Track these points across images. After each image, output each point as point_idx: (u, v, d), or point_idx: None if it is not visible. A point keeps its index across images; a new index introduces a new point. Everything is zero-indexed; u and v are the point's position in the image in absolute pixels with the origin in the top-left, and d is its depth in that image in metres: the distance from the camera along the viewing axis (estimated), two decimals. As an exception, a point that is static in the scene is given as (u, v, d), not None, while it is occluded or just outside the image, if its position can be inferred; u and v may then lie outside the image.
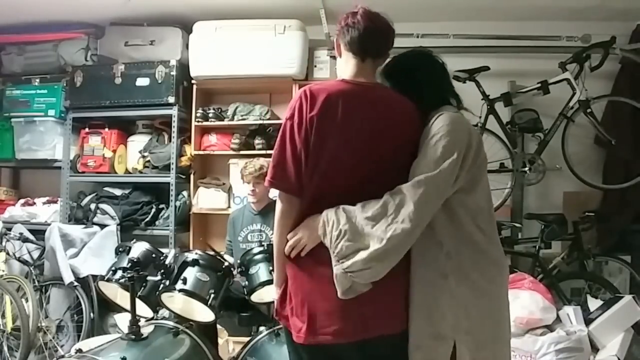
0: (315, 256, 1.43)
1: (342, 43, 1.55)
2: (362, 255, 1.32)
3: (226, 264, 2.35)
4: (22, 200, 3.96)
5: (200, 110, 3.71)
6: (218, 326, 2.62)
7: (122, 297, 2.26)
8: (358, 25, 1.49)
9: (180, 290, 2.14)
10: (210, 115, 3.71)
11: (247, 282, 2.37)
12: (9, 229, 3.48)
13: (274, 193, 3.09)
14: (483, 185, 1.51)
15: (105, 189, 3.83)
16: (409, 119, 1.49)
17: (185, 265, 2.21)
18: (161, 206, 3.79)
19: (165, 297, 2.20)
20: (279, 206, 1.47)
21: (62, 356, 2.02)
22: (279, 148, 1.44)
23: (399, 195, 1.35)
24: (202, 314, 2.23)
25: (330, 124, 1.39)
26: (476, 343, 1.41)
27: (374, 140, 1.43)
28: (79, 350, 1.97)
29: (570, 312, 2.82)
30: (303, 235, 1.43)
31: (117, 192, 3.79)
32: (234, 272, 2.40)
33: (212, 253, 2.47)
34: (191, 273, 2.19)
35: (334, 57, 3.67)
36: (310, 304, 1.40)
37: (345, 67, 1.55)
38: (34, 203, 3.94)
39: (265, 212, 2.99)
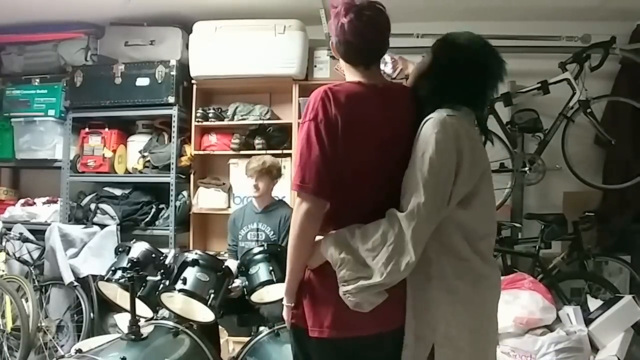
0: None
1: (337, 52, 1.47)
2: (362, 283, 1.32)
3: (226, 264, 2.35)
4: (22, 200, 3.96)
5: (200, 110, 3.71)
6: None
7: (122, 297, 2.26)
8: (351, 40, 1.40)
9: (180, 290, 2.14)
10: (210, 115, 3.71)
11: (247, 282, 2.37)
12: (9, 229, 3.47)
13: (276, 193, 3.10)
14: (483, 198, 1.44)
15: (105, 189, 3.83)
16: (413, 117, 1.47)
17: (185, 265, 2.22)
18: (161, 206, 3.79)
19: (165, 297, 2.20)
20: (303, 208, 1.35)
21: (62, 356, 2.03)
22: (305, 150, 1.35)
23: (396, 225, 1.32)
24: (202, 314, 2.23)
25: (355, 125, 1.36)
26: (455, 349, 1.39)
27: (393, 140, 1.41)
28: (79, 350, 1.97)
29: (570, 312, 2.82)
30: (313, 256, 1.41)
31: (117, 192, 3.79)
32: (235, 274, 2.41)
33: (212, 253, 2.47)
34: (191, 273, 2.19)
35: (333, 57, 3.68)
36: (331, 300, 1.38)
37: (350, 73, 1.49)
38: (34, 203, 3.94)
39: (267, 211, 2.97)
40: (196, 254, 2.27)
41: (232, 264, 2.47)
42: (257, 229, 2.94)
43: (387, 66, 1.69)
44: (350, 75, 1.49)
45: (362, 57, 1.45)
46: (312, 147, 1.34)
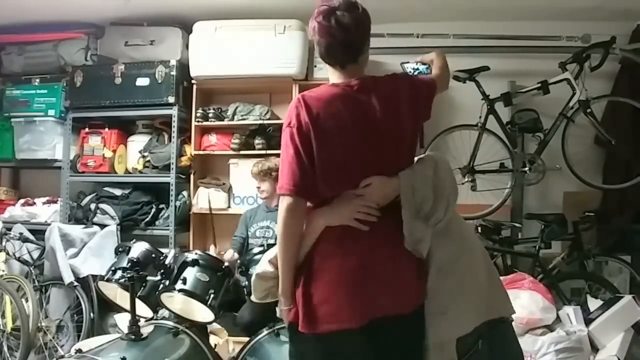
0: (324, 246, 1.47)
1: (318, 54, 1.54)
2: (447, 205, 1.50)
3: (226, 264, 2.36)
4: (22, 200, 3.96)
5: (200, 110, 3.71)
6: (217, 326, 2.63)
7: (122, 297, 2.26)
8: (321, 42, 1.48)
9: (180, 290, 2.14)
10: (210, 115, 3.71)
11: (247, 282, 2.37)
12: (9, 229, 3.47)
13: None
14: None
15: (105, 189, 3.83)
16: (403, 103, 1.49)
17: (185, 265, 2.22)
18: (161, 206, 3.78)
19: (165, 297, 2.20)
20: (282, 206, 1.45)
21: (62, 356, 2.03)
22: (284, 155, 1.46)
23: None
24: (202, 314, 2.23)
25: (328, 128, 1.43)
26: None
27: (372, 135, 1.46)
28: (79, 350, 1.97)
29: (570, 312, 2.82)
30: (372, 194, 1.45)
31: (117, 192, 3.79)
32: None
33: (211, 253, 2.47)
34: (191, 273, 2.19)
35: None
36: (320, 295, 1.42)
37: (331, 74, 1.56)
38: (34, 203, 3.93)
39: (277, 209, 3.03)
40: (196, 254, 2.28)
41: (230, 254, 2.93)
42: (267, 227, 3.05)
43: (420, 75, 1.71)
44: (332, 75, 1.55)
45: (334, 57, 1.51)
46: (288, 151, 1.44)
